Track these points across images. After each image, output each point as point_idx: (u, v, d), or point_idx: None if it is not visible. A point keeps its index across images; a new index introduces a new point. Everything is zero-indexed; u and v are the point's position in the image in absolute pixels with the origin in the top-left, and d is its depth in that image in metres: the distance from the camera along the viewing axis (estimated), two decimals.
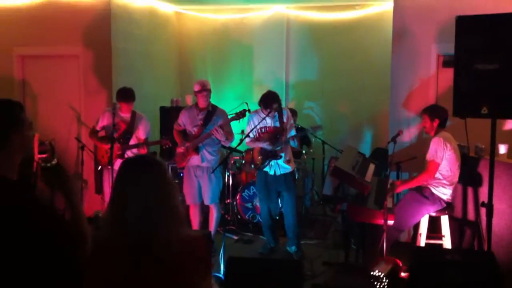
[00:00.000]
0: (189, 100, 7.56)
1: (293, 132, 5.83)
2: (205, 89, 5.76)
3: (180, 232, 2.02)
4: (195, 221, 6.02)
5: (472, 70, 3.70)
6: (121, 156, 5.81)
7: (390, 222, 4.56)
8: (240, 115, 5.56)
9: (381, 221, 4.56)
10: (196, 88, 5.78)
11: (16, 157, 2.04)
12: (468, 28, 3.75)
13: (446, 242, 5.12)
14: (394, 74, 6.39)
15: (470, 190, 5.42)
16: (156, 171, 2.07)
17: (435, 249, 4.86)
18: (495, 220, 4.50)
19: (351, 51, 8.08)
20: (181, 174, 6.56)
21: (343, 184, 5.15)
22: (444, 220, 5.12)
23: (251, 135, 5.93)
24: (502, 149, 5.31)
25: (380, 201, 4.72)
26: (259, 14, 8.46)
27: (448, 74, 6.04)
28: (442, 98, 5.96)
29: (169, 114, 7.40)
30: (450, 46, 5.90)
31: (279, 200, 6.08)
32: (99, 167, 6.18)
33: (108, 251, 2.00)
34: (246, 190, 6.89)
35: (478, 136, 5.11)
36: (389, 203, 4.72)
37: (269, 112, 5.58)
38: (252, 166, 6.13)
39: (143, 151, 5.93)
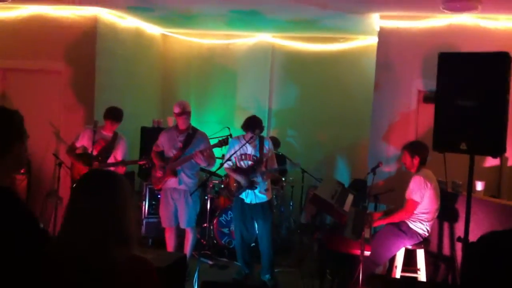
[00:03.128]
0: (171, 121, 7.53)
1: (273, 163, 5.83)
2: (184, 112, 5.74)
3: (124, 252, 1.94)
4: (170, 244, 5.92)
5: (453, 105, 3.76)
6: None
7: (367, 253, 4.55)
8: (223, 142, 5.55)
9: (358, 251, 4.55)
10: (176, 110, 5.74)
11: (14, 168, 2.04)
12: (451, 64, 3.83)
13: (422, 276, 5.12)
14: (375, 106, 6.48)
15: (446, 225, 5.47)
16: (110, 185, 2.01)
17: (409, 282, 4.85)
18: None
19: (333, 82, 8.20)
20: (158, 196, 6.50)
21: (321, 213, 5.16)
22: (420, 253, 5.14)
23: (229, 162, 5.92)
24: (479, 186, 5.38)
25: (358, 231, 4.72)
26: (244, 41, 8.54)
27: (428, 110, 6.17)
28: (422, 134, 6.04)
29: (150, 135, 7.35)
30: (431, 82, 6.10)
31: (256, 227, 6.04)
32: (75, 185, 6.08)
33: (54, 263, 1.94)
34: (223, 215, 6.82)
35: (456, 172, 5.20)
36: (366, 233, 4.72)
37: (251, 137, 5.58)
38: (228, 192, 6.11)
39: (121, 170, 5.88)
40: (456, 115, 3.76)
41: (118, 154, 5.96)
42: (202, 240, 6.87)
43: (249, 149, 5.74)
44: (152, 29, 8.48)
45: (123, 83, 7.68)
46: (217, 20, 7.41)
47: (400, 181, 5.83)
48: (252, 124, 5.63)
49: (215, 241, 6.83)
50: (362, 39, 7.88)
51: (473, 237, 4.67)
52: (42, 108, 7.21)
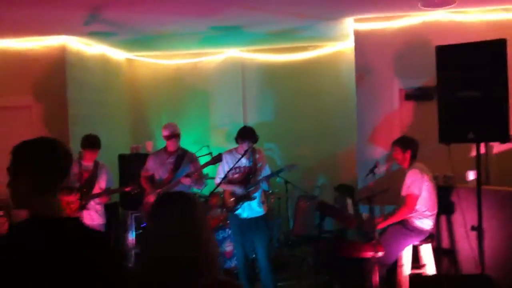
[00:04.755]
0: (150, 146, 7.38)
1: (267, 171, 5.71)
2: (174, 135, 5.65)
3: (212, 275, 1.85)
4: None
5: (455, 97, 3.81)
6: (85, 206, 5.51)
7: (380, 254, 4.52)
8: (217, 159, 5.44)
9: (369, 254, 4.52)
10: (165, 133, 5.63)
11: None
12: (448, 57, 3.88)
13: (429, 271, 5.12)
14: (359, 110, 6.51)
15: (443, 219, 5.51)
16: (191, 208, 1.93)
17: (431, 278, 4.85)
18: (469, 244, 4.63)
19: (308, 91, 8.21)
20: (145, 224, 6.31)
21: (322, 221, 5.09)
22: (427, 249, 5.14)
23: (222, 175, 5.79)
24: (471, 175, 5.45)
25: (366, 234, 4.69)
26: (213, 58, 8.47)
27: (410, 107, 6.27)
28: (406, 131, 6.10)
29: (129, 162, 7.18)
30: (411, 79, 6.23)
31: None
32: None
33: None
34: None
35: (443, 165, 5.29)
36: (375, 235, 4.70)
37: (246, 151, 5.47)
38: (223, 209, 5.96)
39: (105, 199, 5.68)
40: (460, 106, 3.81)
41: (102, 183, 5.75)
42: None
43: (244, 161, 5.64)
44: (117, 55, 8.31)
45: (95, 112, 7.48)
46: (191, 38, 7.31)
47: (392, 181, 5.85)
48: (248, 135, 5.53)
49: None
50: (332, 45, 7.93)
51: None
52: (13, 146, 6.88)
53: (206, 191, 6.77)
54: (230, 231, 6.36)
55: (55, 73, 6.75)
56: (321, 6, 5.71)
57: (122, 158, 7.42)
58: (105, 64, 7.90)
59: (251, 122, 8.47)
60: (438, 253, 5.54)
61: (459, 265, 5.42)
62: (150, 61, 8.66)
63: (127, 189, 5.76)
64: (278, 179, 7.61)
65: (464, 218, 5.07)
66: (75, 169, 5.45)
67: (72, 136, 6.72)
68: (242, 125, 8.30)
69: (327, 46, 7.96)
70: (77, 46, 7.04)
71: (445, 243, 5.52)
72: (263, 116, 8.50)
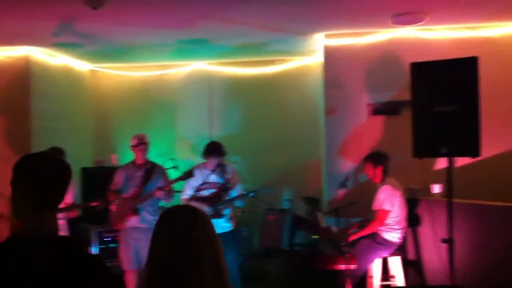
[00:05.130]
0: (115, 159, 7.24)
1: (240, 188, 5.67)
2: (142, 143, 5.52)
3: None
4: None
5: (430, 112, 3.91)
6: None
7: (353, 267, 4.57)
8: (189, 174, 5.36)
9: (341, 267, 4.57)
10: (133, 142, 5.52)
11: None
12: (423, 73, 3.98)
13: (398, 282, 5.21)
14: (328, 124, 6.59)
15: (409, 231, 5.61)
16: (198, 219, 1.89)
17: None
18: (436, 255, 4.74)
19: (275, 105, 8.25)
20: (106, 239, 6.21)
21: (294, 234, 5.13)
22: (396, 261, 5.24)
23: (190, 192, 5.73)
24: (436, 188, 5.59)
25: (337, 246, 4.74)
26: (179, 71, 8.41)
27: (377, 122, 6.39)
28: (374, 145, 6.21)
29: (93, 175, 7.02)
30: (379, 94, 6.35)
31: None
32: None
33: None
34: None
35: (407, 178, 5.42)
36: (345, 248, 4.76)
37: (216, 167, 5.43)
38: None
39: (73, 214, 5.53)
40: (434, 121, 3.91)
41: (68, 198, 5.59)
42: None
43: (212, 177, 5.59)
44: (81, 66, 8.14)
45: (58, 125, 7.29)
46: (158, 51, 7.25)
47: (359, 194, 5.93)
48: (215, 150, 5.49)
49: None
50: (298, 60, 8.01)
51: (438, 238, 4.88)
52: None
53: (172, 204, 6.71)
54: None
55: (19, 84, 6.56)
56: (294, 21, 5.78)
57: (85, 171, 7.26)
58: (68, 76, 7.73)
59: (217, 134, 8.45)
60: (405, 265, 5.66)
61: (425, 276, 5.54)
62: (115, 73, 8.53)
63: (94, 204, 5.62)
64: None
65: (430, 230, 5.21)
66: None
67: (34, 148, 6.52)
68: (208, 138, 8.34)
69: (293, 60, 8.04)
70: (41, 57, 6.87)
71: (411, 254, 5.63)
72: (229, 128, 8.49)
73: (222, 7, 5.25)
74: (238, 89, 8.41)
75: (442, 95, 3.87)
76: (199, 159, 6.28)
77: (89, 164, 7.48)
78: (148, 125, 8.51)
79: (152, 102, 8.54)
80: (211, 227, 1.90)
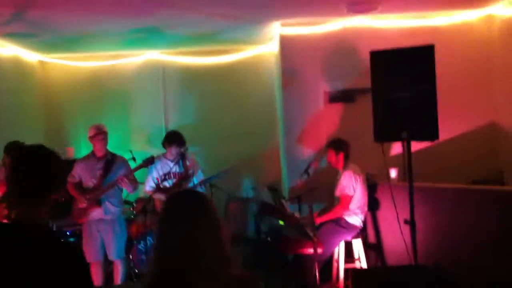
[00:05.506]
0: (71, 152, 7.08)
1: (200, 175, 5.70)
2: (101, 132, 5.44)
3: (231, 272, 1.85)
4: (98, 280, 5.54)
5: (389, 99, 4.04)
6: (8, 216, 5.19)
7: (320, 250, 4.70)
8: (148, 162, 5.33)
9: (307, 251, 4.68)
10: (91, 132, 5.42)
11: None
12: (382, 61, 4.11)
13: (362, 263, 5.39)
14: (286, 112, 6.68)
15: (368, 215, 5.79)
16: (205, 205, 1.91)
17: (374, 270, 5.11)
18: (394, 238, 4.93)
19: (230, 94, 8.24)
20: (67, 232, 6.10)
21: (260, 221, 5.19)
22: (358, 243, 5.41)
23: (152, 182, 5.71)
24: (393, 173, 5.78)
25: (304, 231, 4.83)
26: (132, 61, 8.26)
27: (334, 109, 6.52)
28: (332, 132, 6.35)
29: None
30: (335, 82, 6.48)
31: None
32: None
33: None
34: (142, 242, 6.52)
35: (365, 164, 5.58)
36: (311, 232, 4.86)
37: (179, 154, 5.43)
38: (153, 215, 5.87)
39: None
40: (394, 107, 4.03)
41: None
42: None
43: (172, 167, 5.59)
44: (30, 56, 7.88)
45: (9, 118, 7.01)
46: (110, 40, 7.10)
47: (319, 180, 6.07)
48: (175, 139, 5.50)
49: (136, 271, 6.51)
50: (254, 48, 8.02)
51: (395, 221, 5.05)
52: None
53: (132, 197, 6.65)
54: None
55: None
56: (249, 9, 5.79)
57: None
58: (17, 66, 7.47)
59: (172, 125, 8.39)
60: (366, 248, 5.84)
61: (385, 257, 5.74)
62: (65, 63, 8.29)
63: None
64: None
65: (389, 214, 5.38)
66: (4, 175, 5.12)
67: None
68: (163, 129, 8.30)
69: (248, 49, 8.04)
70: None
71: (372, 238, 5.82)
72: (185, 118, 8.43)
73: None
74: (192, 78, 8.35)
75: (401, 82, 3.99)
76: (155, 150, 6.25)
77: None
78: (102, 116, 8.31)
79: (105, 92, 8.36)
80: (216, 210, 1.92)
